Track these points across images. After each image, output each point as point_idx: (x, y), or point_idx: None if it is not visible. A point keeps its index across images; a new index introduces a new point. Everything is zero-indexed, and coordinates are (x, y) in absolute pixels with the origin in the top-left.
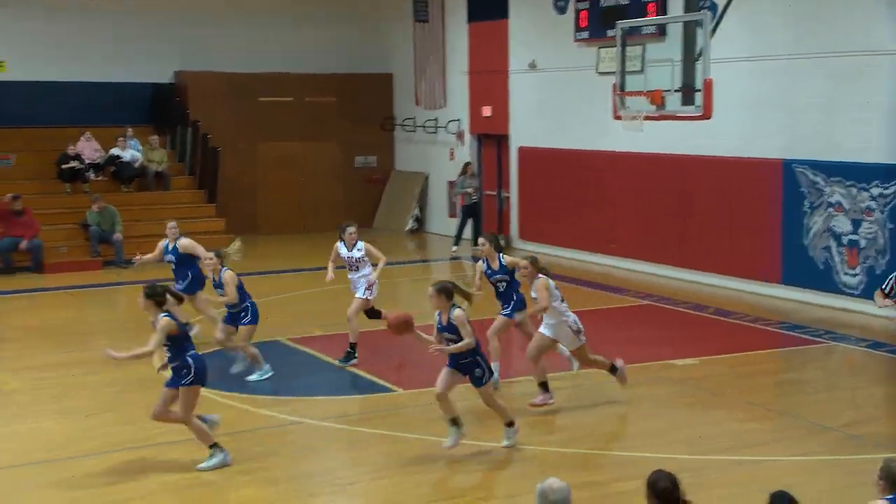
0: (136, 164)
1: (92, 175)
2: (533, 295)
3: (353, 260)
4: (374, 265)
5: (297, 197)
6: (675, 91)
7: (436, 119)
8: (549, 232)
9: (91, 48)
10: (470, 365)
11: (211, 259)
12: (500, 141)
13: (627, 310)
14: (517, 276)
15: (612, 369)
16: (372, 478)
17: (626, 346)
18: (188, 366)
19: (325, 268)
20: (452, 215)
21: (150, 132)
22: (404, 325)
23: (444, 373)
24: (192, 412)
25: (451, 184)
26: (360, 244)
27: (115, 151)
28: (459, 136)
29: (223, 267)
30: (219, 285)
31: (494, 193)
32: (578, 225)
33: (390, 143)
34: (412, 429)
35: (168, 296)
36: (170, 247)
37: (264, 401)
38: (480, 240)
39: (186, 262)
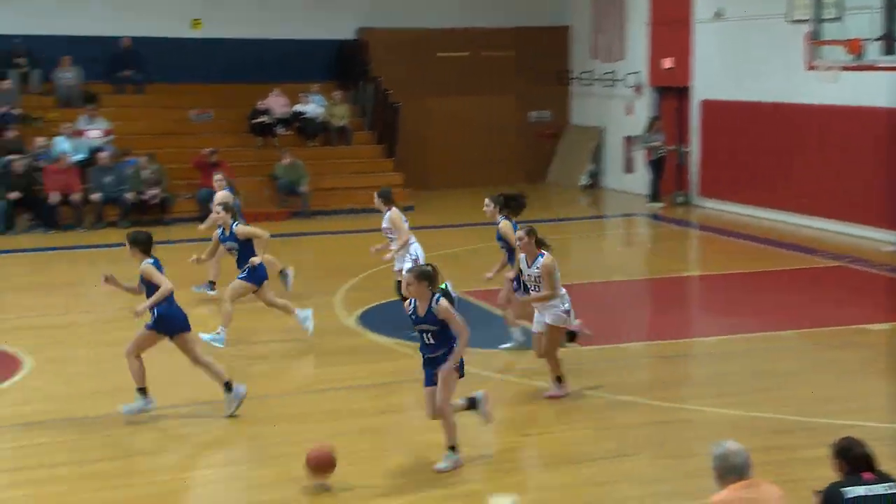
0: (318, 120)
1: (280, 129)
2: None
3: (385, 230)
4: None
5: (471, 152)
6: (876, 40)
7: (613, 72)
8: (733, 188)
9: (280, 6)
10: (443, 358)
11: (219, 212)
12: (681, 94)
13: (818, 271)
14: (517, 248)
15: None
16: (541, 431)
17: (814, 307)
18: (154, 313)
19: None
20: (629, 171)
21: (333, 88)
22: (324, 466)
23: (426, 393)
24: (133, 350)
25: (629, 139)
26: (388, 214)
27: (297, 107)
28: (637, 89)
29: (234, 221)
30: (229, 238)
31: (674, 148)
32: (765, 181)
33: (566, 97)
34: (582, 383)
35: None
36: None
37: None
38: (486, 200)
39: None
